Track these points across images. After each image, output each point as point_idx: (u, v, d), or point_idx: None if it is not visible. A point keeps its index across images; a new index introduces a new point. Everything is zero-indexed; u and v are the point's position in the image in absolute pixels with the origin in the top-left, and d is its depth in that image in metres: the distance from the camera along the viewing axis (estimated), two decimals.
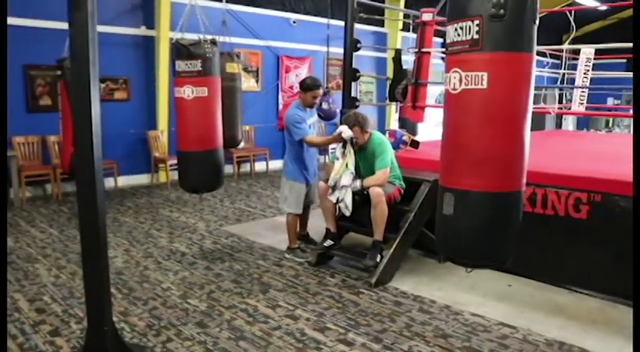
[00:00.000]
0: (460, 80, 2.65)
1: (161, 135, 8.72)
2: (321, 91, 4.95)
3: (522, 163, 2.76)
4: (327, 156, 8.88)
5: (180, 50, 4.90)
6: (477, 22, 2.55)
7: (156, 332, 3.46)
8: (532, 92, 2.73)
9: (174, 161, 8.68)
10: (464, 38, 2.62)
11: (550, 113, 5.20)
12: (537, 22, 2.65)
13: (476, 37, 2.57)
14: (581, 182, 4.26)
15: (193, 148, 4.87)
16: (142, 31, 8.49)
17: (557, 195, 4.30)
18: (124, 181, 8.33)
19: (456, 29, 2.67)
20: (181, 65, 4.90)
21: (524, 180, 2.83)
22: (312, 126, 5.02)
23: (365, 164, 4.71)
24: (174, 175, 8.78)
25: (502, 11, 2.49)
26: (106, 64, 6.52)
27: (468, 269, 3.15)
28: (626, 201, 4.00)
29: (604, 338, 3.47)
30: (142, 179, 8.70)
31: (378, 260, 4.42)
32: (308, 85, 4.90)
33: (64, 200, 7.40)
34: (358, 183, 4.54)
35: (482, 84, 2.58)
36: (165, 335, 3.42)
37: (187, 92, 4.88)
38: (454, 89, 2.70)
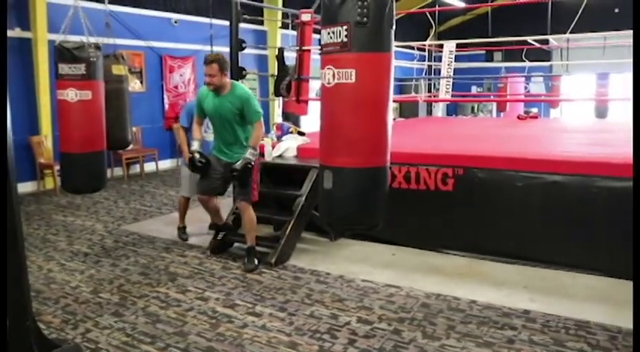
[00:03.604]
0: (333, 75, 3.15)
1: (45, 140, 8.49)
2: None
3: (386, 143, 3.33)
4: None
5: (63, 53, 4.95)
6: (345, 27, 3.07)
7: (73, 326, 3.61)
8: (392, 84, 3.30)
9: None
10: (335, 40, 3.12)
11: (419, 101, 5.88)
12: (394, 26, 3.20)
13: (345, 40, 3.08)
14: (446, 159, 4.96)
15: (77, 150, 4.96)
16: (17, 32, 8.18)
17: (427, 172, 4.96)
18: None
19: (328, 33, 3.16)
20: (64, 68, 4.95)
21: (389, 157, 3.38)
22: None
23: (223, 112, 4.54)
24: None
25: (365, 19, 3.02)
26: None
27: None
28: (484, 172, 4.76)
29: (471, 287, 4.16)
30: (27, 187, 8.40)
31: (256, 263, 4.69)
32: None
33: None
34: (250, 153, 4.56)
35: (351, 78, 3.11)
36: (82, 327, 3.60)
37: (71, 95, 4.94)
38: (329, 83, 3.19)
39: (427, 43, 6.03)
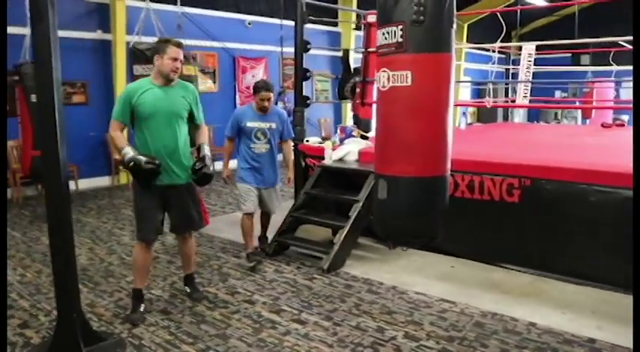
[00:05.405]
0: (388, 78, 2.99)
1: None
2: (268, 94, 4.79)
3: (445, 150, 3.10)
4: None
5: (137, 55, 5.14)
6: (400, 27, 2.90)
7: (122, 321, 3.68)
8: (452, 87, 3.07)
9: None
10: (390, 41, 2.96)
11: (486, 106, 5.60)
12: (454, 25, 3.00)
13: (400, 40, 2.91)
14: (513, 169, 4.65)
15: None
16: (99, 34, 8.60)
17: (492, 182, 4.69)
18: (85, 184, 8.43)
19: (383, 33, 3.00)
20: (139, 69, 5.15)
21: (448, 166, 3.16)
22: (260, 132, 4.91)
23: (173, 107, 3.73)
24: None
25: (422, 17, 2.84)
26: (63, 68, 6.62)
27: (403, 248, 3.49)
28: (552, 184, 4.42)
29: (532, 308, 3.86)
30: (103, 181, 8.81)
31: (142, 310, 3.78)
32: (255, 87, 4.85)
33: (24, 204, 7.48)
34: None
35: (407, 81, 2.92)
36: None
37: None
38: (383, 87, 3.04)
39: (497, 44, 5.70)
